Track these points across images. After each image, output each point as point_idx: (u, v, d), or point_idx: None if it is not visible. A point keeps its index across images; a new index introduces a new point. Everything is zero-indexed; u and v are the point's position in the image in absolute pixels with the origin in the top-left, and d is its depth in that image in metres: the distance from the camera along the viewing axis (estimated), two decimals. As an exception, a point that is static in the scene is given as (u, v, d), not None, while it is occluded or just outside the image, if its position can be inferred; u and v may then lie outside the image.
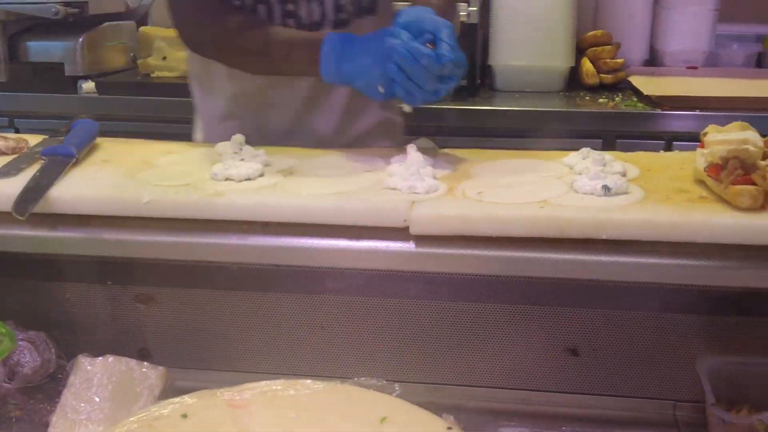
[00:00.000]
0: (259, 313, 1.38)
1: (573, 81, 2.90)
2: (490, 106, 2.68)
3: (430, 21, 1.37)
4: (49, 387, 1.32)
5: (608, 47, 2.88)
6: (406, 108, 1.46)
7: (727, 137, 1.26)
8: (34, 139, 1.52)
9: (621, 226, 1.12)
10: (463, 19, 2.62)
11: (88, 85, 2.88)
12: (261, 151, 1.40)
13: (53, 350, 1.35)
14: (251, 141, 1.46)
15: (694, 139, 1.38)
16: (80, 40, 2.88)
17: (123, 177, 1.34)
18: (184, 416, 1.02)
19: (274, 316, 1.39)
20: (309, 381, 1.07)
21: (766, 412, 1.12)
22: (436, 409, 1.35)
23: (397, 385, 1.10)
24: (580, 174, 1.27)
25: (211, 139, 1.69)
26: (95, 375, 1.23)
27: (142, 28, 3.10)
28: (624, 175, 1.28)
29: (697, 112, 2.51)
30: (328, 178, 1.33)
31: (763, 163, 1.19)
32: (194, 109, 1.89)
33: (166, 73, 2.93)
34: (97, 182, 1.32)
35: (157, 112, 2.81)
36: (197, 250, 1.24)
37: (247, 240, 1.22)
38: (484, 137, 2.55)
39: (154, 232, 1.24)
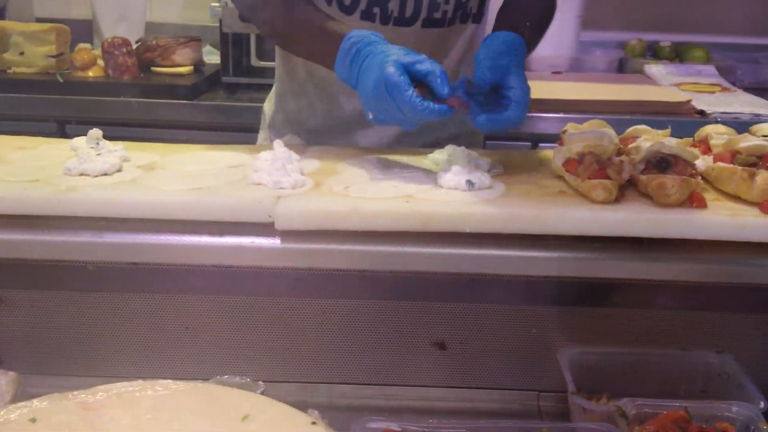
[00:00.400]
0: (118, 314, 1.33)
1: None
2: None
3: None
4: None
5: (478, 51, 2.93)
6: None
7: (584, 134, 1.30)
8: None
9: (483, 219, 1.14)
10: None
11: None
12: (119, 146, 1.35)
13: None
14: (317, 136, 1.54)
15: (558, 140, 1.42)
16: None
17: (-31, 173, 1.26)
18: (33, 420, 0.97)
19: (135, 318, 1.33)
20: (168, 381, 1.03)
21: (624, 399, 1.16)
22: (306, 407, 1.34)
23: (261, 383, 1.08)
24: (446, 170, 1.28)
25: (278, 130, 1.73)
26: (-63, 383, 1.15)
27: (-2, 23, 2.94)
28: (488, 171, 1.30)
29: (561, 115, 2.60)
30: (190, 174, 1.28)
31: (617, 158, 1.24)
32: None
33: (24, 69, 2.79)
34: (-59, 179, 1.23)
35: (15, 109, 2.67)
36: (49, 248, 1.18)
37: (103, 237, 1.16)
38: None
39: (3, 230, 1.17)
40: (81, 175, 1.25)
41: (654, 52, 3.38)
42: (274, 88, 1.87)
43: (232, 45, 2.81)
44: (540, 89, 2.81)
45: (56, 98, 2.66)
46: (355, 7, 1.57)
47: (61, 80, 2.71)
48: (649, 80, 3.06)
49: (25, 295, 1.33)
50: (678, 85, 2.97)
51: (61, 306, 1.33)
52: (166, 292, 1.31)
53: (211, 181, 1.24)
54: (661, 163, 1.20)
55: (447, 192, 1.22)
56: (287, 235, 1.16)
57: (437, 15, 1.61)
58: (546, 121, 2.59)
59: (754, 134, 1.37)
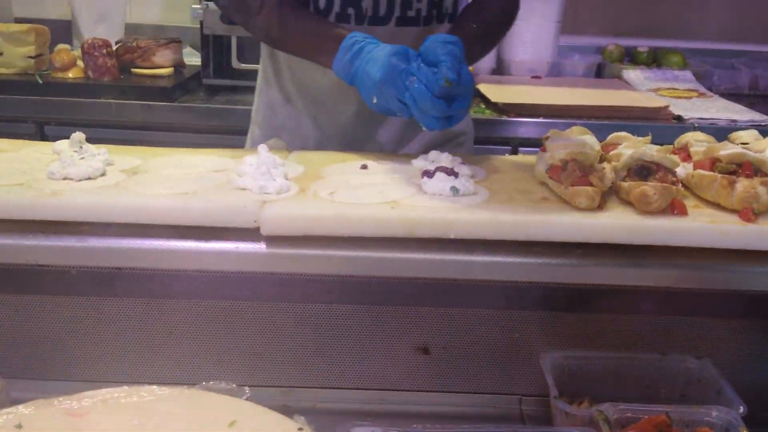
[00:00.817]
0: (103, 319, 1.32)
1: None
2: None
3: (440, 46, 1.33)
4: None
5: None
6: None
7: (566, 141, 1.32)
8: None
9: (468, 226, 1.15)
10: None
11: None
12: (103, 150, 1.34)
13: None
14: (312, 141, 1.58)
15: (538, 144, 1.43)
16: None
17: (-51, 176, 1.25)
18: (19, 427, 0.96)
19: (120, 322, 1.33)
20: (153, 387, 1.03)
21: (605, 403, 1.17)
22: (290, 412, 1.34)
23: (247, 389, 1.07)
24: (430, 176, 1.29)
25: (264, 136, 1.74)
26: None
27: (-24, 22, 2.92)
28: (471, 177, 1.31)
29: (541, 119, 2.62)
30: (174, 178, 1.28)
31: (600, 165, 1.25)
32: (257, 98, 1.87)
33: (2, 70, 2.76)
34: None
35: (-6, 110, 2.65)
36: (33, 253, 1.17)
37: (87, 242, 1.16)
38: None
39: (-15, 234, 1.16)
40: (65, 179, 1.24)
41: (632, 57, 3.41)
42: (257, 92, 1.87)
43: (213, 47, 2.80)
44: (520, 94, 2.83)
45: (35, 99, 2.64)
46: (330, 9, 1.59)
47: (40, 81, 2.69)
48: (627, 85, 3.09)
49: (9, 300, 1.32)
50: (655, 90, 3.00)
51: (45, 311, 1.32)
52: (151, 297, 1.31)
53: (195, 185, 1.24)
54: (643, 170, 1.22)
55: (431, 198, 1.23)
56: (272, 240, 1.16)
57: (411, 13, 1.63)
58: (526, 126, 2.61)
59: (733, 142, 1.39)
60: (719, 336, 1.33)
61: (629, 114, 2.68)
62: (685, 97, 2.92)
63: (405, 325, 1.34)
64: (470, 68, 1.44)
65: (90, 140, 1.39)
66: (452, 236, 1.15)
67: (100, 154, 1.33)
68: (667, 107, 2.70)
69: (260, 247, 1.16)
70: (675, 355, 1.30)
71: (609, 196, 1.23)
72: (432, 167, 1.31)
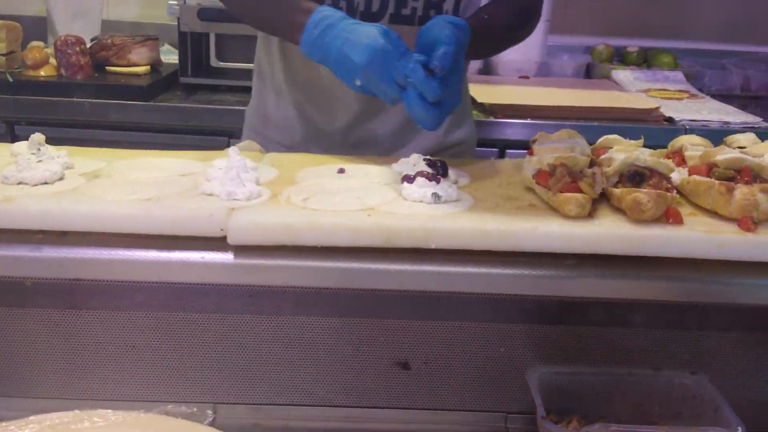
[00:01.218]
0: (58, 332, 1.24)
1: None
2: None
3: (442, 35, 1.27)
4: None
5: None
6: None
7: (554, 144, 1.25)
8: None
9: (450, 235, 1.07)
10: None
11: None
12: (63, 152, 1.26)
13: None
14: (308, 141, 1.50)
15: (525, 146, 1.37)
16: None
17: None
18: (-43, 457, 0.88)
19: (77, 336, 1.25)
20: (108, 411, 0.95)
21: (596, 424, 1.10)
22: (262, 431, 1.27)
23: (210, 412, 1.00)
24: (410, 181, 1.22)
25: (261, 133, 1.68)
26: None
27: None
28: (455, 182, 1.24)
29: (529, 121, 2.56)
30: (137, 183, 1.20)
31: (590, 170, 1.18)
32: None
33: (-27, 67, 2.67)
34: None
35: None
36: (-17, 263, 1.09)
37: (42, 251, 1.07)
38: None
39: (-69, 244, 1.08)
40: (19, 183, 1.16)
41: (621, 58, 3.35)
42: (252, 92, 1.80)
43: (191, 44, 2.72)
44: (507, 94, 2.76)
45: (5, 98, 2.55)
46: (320, 2, 1.51)
47: (10, 80, 2.60)
48: (617, 86, 3.03)
49: (-43, 313, 1.24)
50: (646, 91, 2.95)
51: (-3, 324, 1.24)
52: (110, 309, 1.23)
53: (159, 190, 1.16)
54: (636, 176, 1.15)
55: (411, 205, 1.15)
56: (241, 249, 1.08)
57: (406, 11, 1.56)
58: (513, 127, 2.55)
59: (729, 145, 1.32)
60: (716, 351, 1.27)
61: (619, 115, 2.62)
62: (676, 99, 2.86)
63: (383, 340, 1.26)
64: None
65: (62, 141, 1.32)
66: (433, 246, 1.08)
67: (59, 156, 1.25)
68: (658, 108, 2.64)
69: (228, 257, 1.08)
70: (669, 370, 1.23)
71: (600, 203, 1.16)
72: (413, 172, 1.24)
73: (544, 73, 3.16)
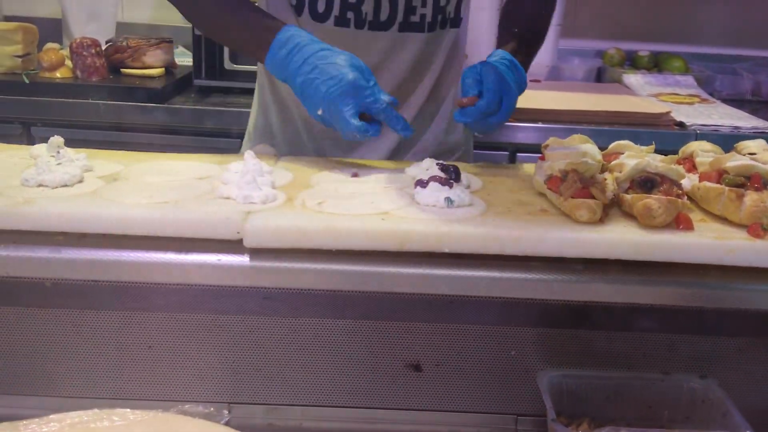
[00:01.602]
0: (77, 332, 1.26)
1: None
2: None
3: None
4: None
5: (456, 58, 2.89)
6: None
7: (566, 150, 1.26)
8: None
9: (462, 239, 1.09)
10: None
11: None
12: (81, 155, 1.28)
13: None
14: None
15: (536, 150, 1.38)
16: None
17: None
18: (-21, 454, 0.90)
19: (96, 336, 1.26)
20: (126, 410, 0.97)
21: (606, 427, 1.11)
22: (275, 431, 1.29)
23: (226, 412, 1.02)
24: (423, 186, 1.23)
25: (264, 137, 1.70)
26: None
27: (-37, 20, 2.86)
28: (467, 187, 1.26)
29: (540, 125, 2.57)
30: (155, 186, 1.22)
31: (601, 176, 1.20)
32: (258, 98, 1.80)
33: (-10, 69, 2.71)
34: None
35: (-20, 110, 2.59)
36: (5, 264, 1.11)
37: (62, 253, 1.10)
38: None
39: (-46, 244, 1.10)
40: (39, 186, 1.19)
41: (632, 62, 3.36)
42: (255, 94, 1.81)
43: (205, 47, 2.74)
44: (519, 98, 2.77)
45: (22, 99, 2.58)
46: (329, 14, 1.52)
47: (27, 81, 2.63)
48: (628, 90, 3.04)
49: (-22, 313, 1.26)
50: (656, 95, 2.95)
51: (17, 323, 1.26)
52: (129, 310, 1.24)
53: (176, 194, 1.18)
54: (647, 182, 1.16)
55: (424, 209, 1.17)
56: (256, 252, 1.10)
57: (414, 18, 1.56)
58: (524, 131, 2.56)
59: (739, 152, 1.33)
60: (725, 355, 1.28)
61: (630, 120, 2.63)
62: (687, 103, 2.87)
63: (396, 341, 1.28)
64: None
65: (77, 142, 1.33)
66: (446, 250, 1.09)
67: (78, 159, 1.27)
68: (668, 113, 2.65)
69: (244, 259, 1.10)
70: (678, 374, 1.24)
71: (611, 208, 1.18)
72: (426, 176, 1.25)
73: (555, 76, 3.18)
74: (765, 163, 1.21)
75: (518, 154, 2.56)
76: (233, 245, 1.10)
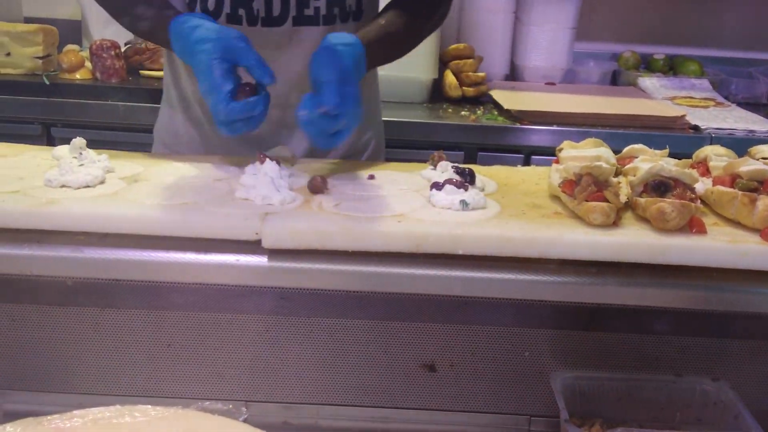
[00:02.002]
0: (98, 330, 1.28)
1: (437, 93, 2.92)
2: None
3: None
4: None
5: (470, 61, 2.91)
6: None
7: (581, 153, 1.27)
8: None
9: (477, 241, 1.10)
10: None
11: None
12: (103, 156, 1.31)
13: None
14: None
15: (551, 153, 1.39)
16: None
17: (-55, 182, 1.21)
18: (5, 447, 0.92)
19: (116, 334, 1.29)
20: (147, 407, 0.99)
21: (618, 428, 1.13)
22: (291, 429, 1.30)
23: (244, 409, 1.04)
24: (438, 188, 1.24)
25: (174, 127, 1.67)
26: None
27: (-17, 22, 2.89)
28: (482, 189, 1.27)
29: (554, 128, 2.58)
30: (175, 187, 1.24)
31: (615, 179, 1.21)
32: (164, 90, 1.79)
33: (9, 70, 2.74)
34: None
35: (0, 111, 2.62)
36: (28, 263, 1.13)
37: (84, 252, 1.12)
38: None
39: (-21, 243, 1.12)
40: (62, 186, 1.21)
41: (647, 65, 3.36)
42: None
43: (223, 49, 2.76)
44: (533, 101, 2.79)
45: (42, 100, 2.62)
46: (220, 11, 1.51)
47: (47, 82, 2.67)
48: (643, 93, 3.04)
49: (4, 310, 1.28)
50: (672, 98, 2.95)
51: (39, 321, 1.28)
52: (149, 309, 1.27)
53: (195, 195, 1.20)
54: (660, 186, 1.17)
55: (440, 212, 1.18)
56: (274, 253, 1.12)
57: (309, 12, 1.53)
58: (539, 134, 2.57)
59: (753, 156, 1.34)
60: (737, 358, 1.28)
61: (645, 123, 2.63)
62: (702, 106, 2.87)
63: (411, 342, 1.30)
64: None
65: (96, 143, 1.36)
66: (460, 252, 1.11)
67: (100, 160, 1.30)
68: (683, 116, 2.65)
69: (262, 260, 1.12)
70: (690, 377, 1.25)
71: (624, 212, 1.19)
72: (441, 179, 1.27)
73: (570, 79, 3.18)
74: (778, 167, 1.22)
75: (533, 157, 2.57)
76: (251, 246, 1.12)
